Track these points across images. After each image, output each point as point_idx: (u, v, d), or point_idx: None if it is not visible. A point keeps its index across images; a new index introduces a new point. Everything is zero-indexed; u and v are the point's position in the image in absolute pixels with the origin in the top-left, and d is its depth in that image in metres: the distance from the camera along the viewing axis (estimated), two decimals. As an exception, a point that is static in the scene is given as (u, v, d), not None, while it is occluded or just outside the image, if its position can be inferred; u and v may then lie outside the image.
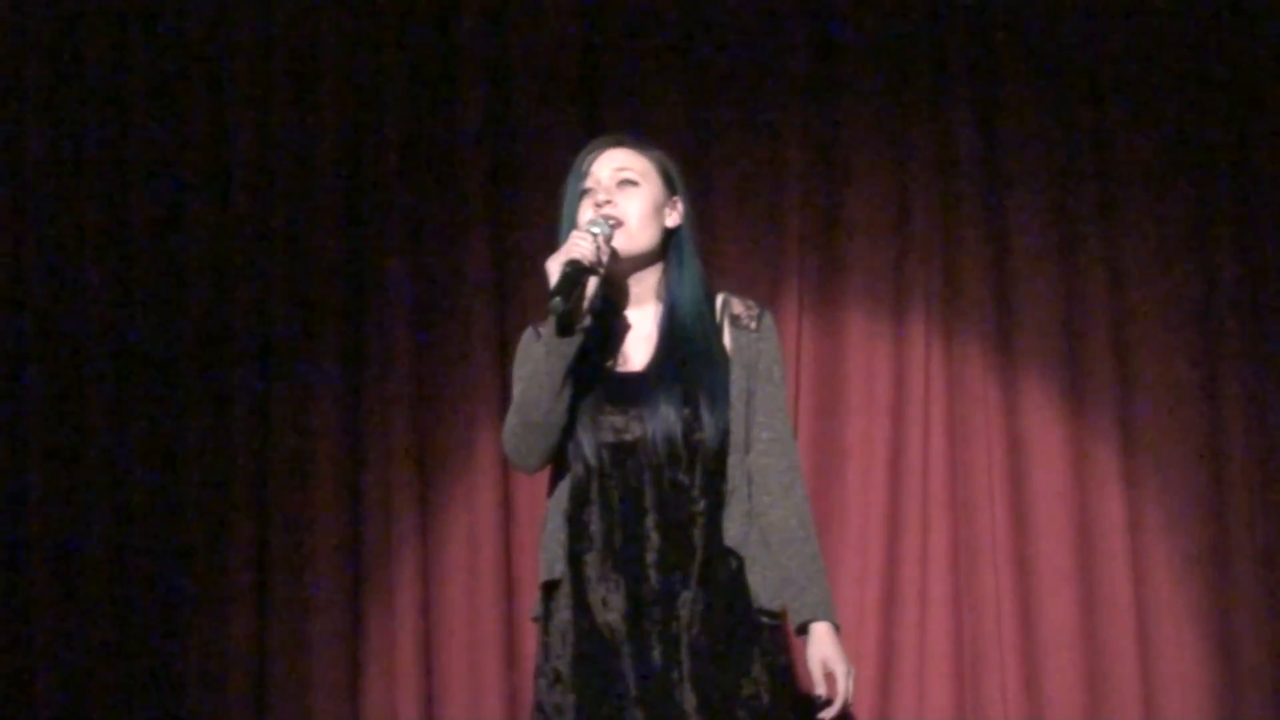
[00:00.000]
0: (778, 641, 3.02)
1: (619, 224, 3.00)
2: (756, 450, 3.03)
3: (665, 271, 3.11)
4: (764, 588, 2.98)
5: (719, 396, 3.00)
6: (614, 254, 2.99)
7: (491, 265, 4.40)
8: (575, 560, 2.99)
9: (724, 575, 2.98)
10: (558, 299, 2.85)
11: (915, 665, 4.19)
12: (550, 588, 3.04)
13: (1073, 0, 4.34)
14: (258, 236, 4.46)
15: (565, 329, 2.91)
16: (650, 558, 2.95)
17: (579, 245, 2.92)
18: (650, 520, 2.96)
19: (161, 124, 4.49)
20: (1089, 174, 4.31)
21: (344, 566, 4.37)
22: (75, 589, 4.37)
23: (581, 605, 2.98)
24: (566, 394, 2.96)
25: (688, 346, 3.03)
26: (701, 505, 2.98)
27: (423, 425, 4.39)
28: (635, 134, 3.22)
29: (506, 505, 4.35)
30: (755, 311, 3.11)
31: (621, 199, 3.04)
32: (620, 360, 3.06)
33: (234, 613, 4.36)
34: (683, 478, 2.98)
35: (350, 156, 4.47)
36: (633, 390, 3.01)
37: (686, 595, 2.94)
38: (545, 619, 3.05)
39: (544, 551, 3.05)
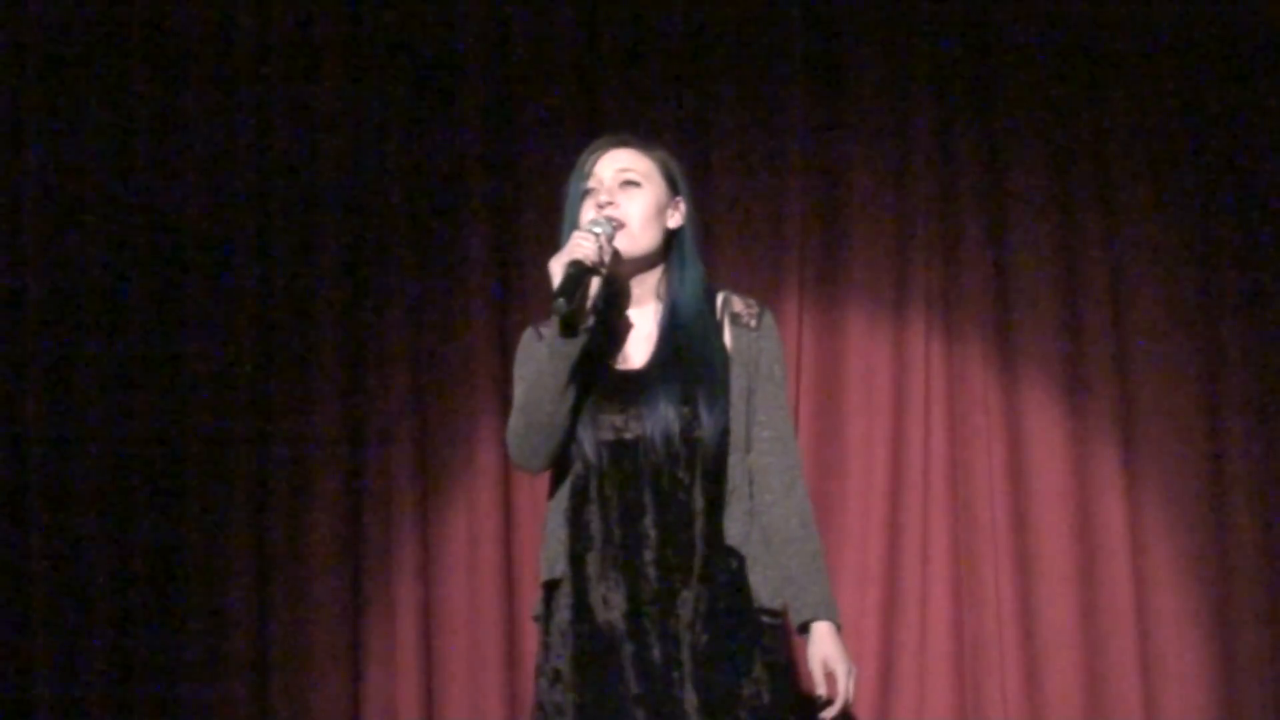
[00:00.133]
0: (778, 641, 3.02)
1: (621, 225, 3.00)
2: (757, 449, 3.03)
3: (666, 272, 3.10)
4: (765, 587, 2.98)
5: (718, 395, 3.00)
6: (616, 255, 2.98)
7: (491, 265, 4.40)
8: (576, 559, 2.99)
9: (724, 574, 2.98)
10: (562, 299, 2.84)
11: (915, 665, 4.19)
12: (551, 587, 3.03)
13: (1073, 3, 4.34)
14: (258, 235, 4.46)
15: (569, 329, 2.91)
16: (649, 556, 2.95)
17: (582, 245, 2.91)
18: (649, 519, 2.96)
19: (161, 124, 4.49)
20: (1089, 174, 4.31)
21: (344, 566, 4.37)
22: (75, 589, 4.36)
23: (582, 605, 2.97)
24: (571, 395, 2.95)
25: (688, 345, 3.03)
26: (701, 504, 2.97)
27: (423, 425, 4.39)
28: (638, 134, 3.21)
29: (506, 505, 4.35)
30: (756, 310, 3.11)
31: (624, 200, 3.04)
32: (620, 359, 3.06)
33: (234, 612, 4.35)
34: (682, 476, 2.97)
35: (350, 156, 4.47)
36: (632, 388, 3.00)
37: (687, 594, 2.94)
38: (546, 618, 3.04)
39: (545, 551, 3.05)
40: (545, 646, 3.03)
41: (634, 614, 2.94)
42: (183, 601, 4.38)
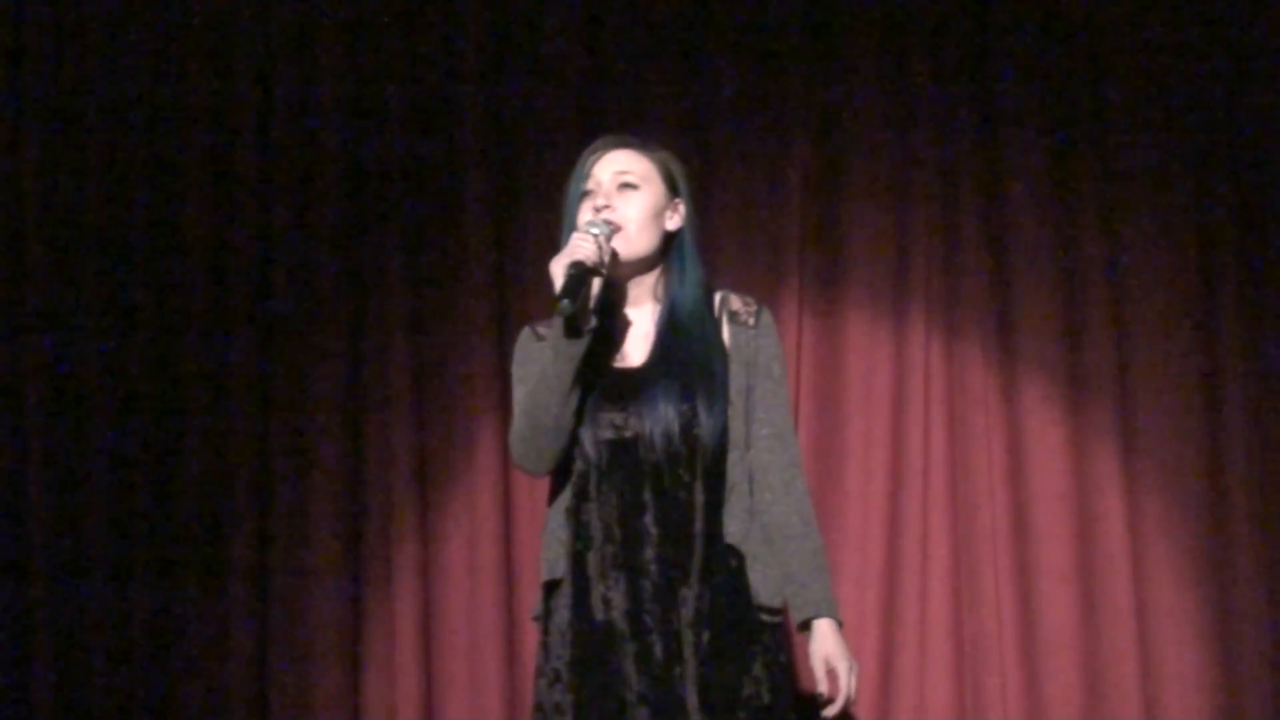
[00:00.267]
0: (778, 640, 3.02)
1: (617, 228, 2.99)
2: (757, 447, 3.03)
3: (664, 273, 3.10)
4: (764, 585, 2.98)
5: (718, 393, 3.00)
6: (613, 256, 2.98)
7: (491, 265, 4.40)
8: (576, 559, 2.99)
9: (724, 573, 2.98)
10: (565, 301, 2.84)
11: (915, 665, 4.19)
12: (551, 588, 3.03)
13: (1074, 1, 4.34)
14: (258, 236, 4.46)
15: (573, 330, 2.90)
16: (650, 554, 2.95)
17: (582, 246, 2.91)
18: (650, 517, 2.96)
19: (161, 125, 4.49)
20: (1089, 174, 4.31)
21: (344, 566, 4.37)
22: (75, 589, 4.36)
23: (582, 605, 2.97)
24: (575, 396, 2.95)
25: (686, 343, 3.03)
26: (701, 502, 2.97)
27: (423, 425, 4.39)
28: (640, 134, 3.20)
29: (506, 505, 4.35)
30: (754, 308, 3.11)
31: (620, 203, 3.03)
32: (619, 357, 3.06)
33: (234, 612, 4.35)
34: (682, 474, 2.97)
35: (350, 156, 4.47)
36: (631, 387, 3.00)
37: (687, 593, 2.94)
38: (545, 618, 3.04)
39: (545, 551, 3.05)
40: (545, 647, 3.03)
41: (635, 612, 2.94)
42: (183, 601, 4.37)
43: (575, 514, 3.00)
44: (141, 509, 4.39)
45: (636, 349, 3.06)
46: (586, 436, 2.99)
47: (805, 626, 3.00)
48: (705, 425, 2.97)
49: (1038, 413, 4.27)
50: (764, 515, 3.01)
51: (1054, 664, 4.18)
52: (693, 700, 2.90)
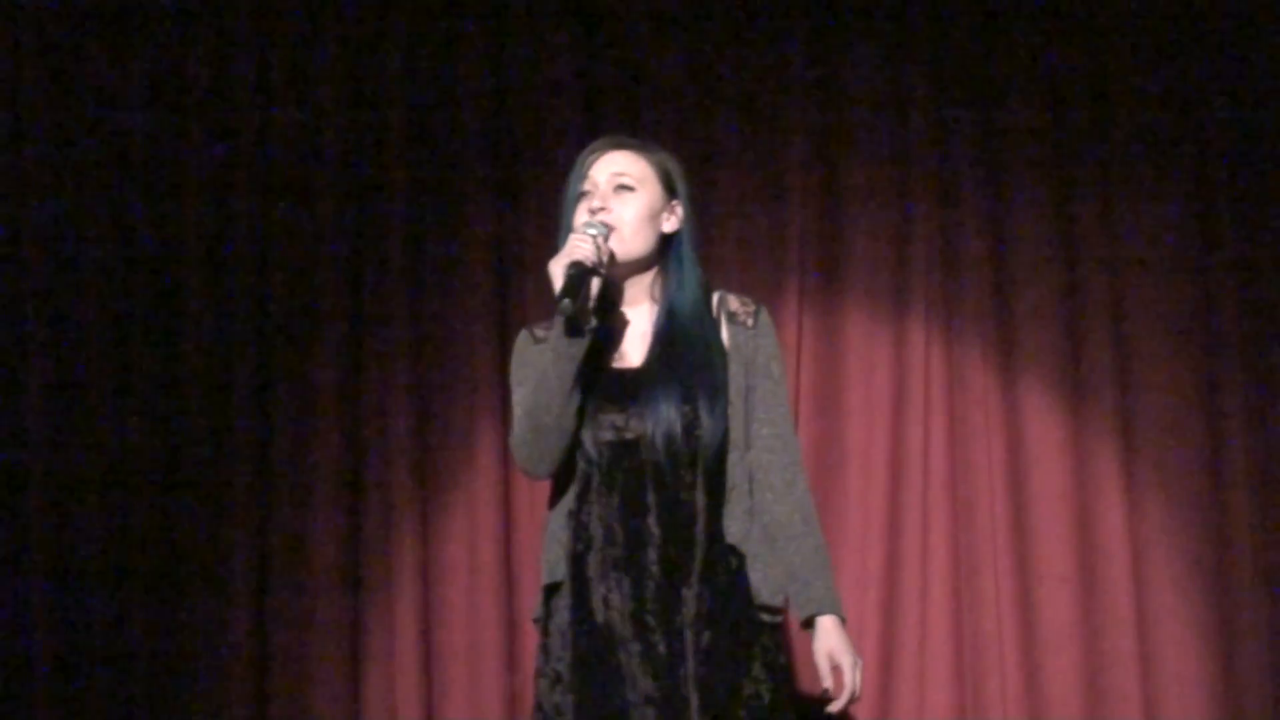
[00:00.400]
0: (778, 640, 3.01)
1: (612, 229, 2.99)
2: (757, 447, 3.02)
3: (661, 274, 3.10)
4: (764, 585, 2.98)
5: (718, 393, 3.00)
6: (611, 258, 2.98)
7: (491, 265, 4.40)
8: (576, 560, 2.99)
9: (725, 573, 2.97)
10: (566, 301, 2.84)
11: (916, 666, 4.19)
12: (551, 590, 3.03)
13: (1073, 1, 4.34)
14: (258, 236, 4.46)
15: (574, 330, 2.90)
16: (652, 555, 2.95)
17: (580, 247, 2.91)
18: (652, 518, 2.96)
19: (161, 125, 4.49)
20: (1089, 174, 4.31)
21: (344, 566, 4.37)
22: (75, 589, 4.36)
23: (582, 606, 2.97)
24: (576, 396, 2.95)
25: (686, 344, 3.02)
26: (702, 502, 2.97)
27: (423, 425, 4.39)
28: (639, 135, 3.20)
29: (506, 505, 4.35)
30: (752, 308, 3.10)
31: (616, 204, 3.03)
32: (617, 358, 3.05)
33: (234, 613, 4.35)
34: (683, 475, 2.97)
35: (351, 156, 4.47)
36: (631, 387, 3.00)
37: (688, 593, 2.94)
38: (545, 620, 3.04)
39: (546, 553, 3.04)
40: (545, 648, 3.03)
41: (637, 613, 2.93)
42: (183, 602, 4.37)
43: (576, 516, 3.00)
44: (141, 509, 4.39)
45: (634, 349, 3.06)
46: (587, 438, 2.99)
47: (809, 624, 3.00)
48: (707, 426, 2.97)
49: (1038, 413, 4.27)
50: (765, 515, 3.01)
51: (1054, 664, 4.19)
52: (693, 700, 2.90)
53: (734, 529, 2.99)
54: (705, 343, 3.04)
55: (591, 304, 2.92)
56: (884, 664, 4.20)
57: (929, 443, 4.25)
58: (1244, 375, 4.24)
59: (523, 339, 3.13)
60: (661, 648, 2.92)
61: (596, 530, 2.98)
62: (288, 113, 4.48)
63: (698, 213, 3.21)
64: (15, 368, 4.43)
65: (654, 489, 2.96)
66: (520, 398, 3.04)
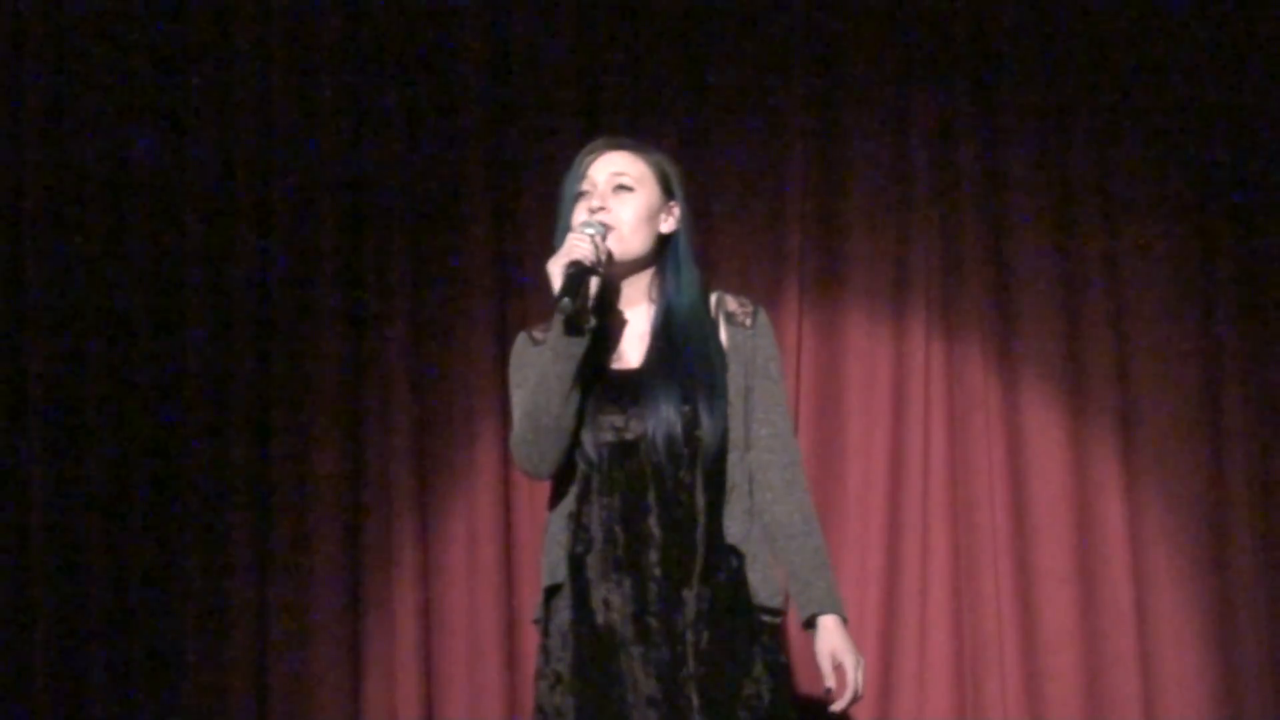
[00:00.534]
0: (778, 640, 3.01)
1: (610, 229, 2.99)
2: (757, 447, 3.02)
3: (659, 274, 3.09)
4: (764, 585, 2.98)
5: (718, 393, 2.99)
6: (609, 257, 2.98)
7: (491, 265, 4.40)
8: (576, 562, 2.99)
9: (725, 574, 2.97)
10: (566, 300, 2.83)
11: (916, 666, 4.19)
12: (551, 592, 3.03)
13: (1072, 2, 4.34)
14: (258, 237, 4.46)
15: (573, 329, 2.90)
16: (654, 556, 2.94)
17: (579, 246, 2.91)
18: (653, 519, 2.95)
19: (161, 125, 4.49)
20: (1089, 174, 4.32)
21: (344, 567, 4.37)
22: (75, 589, 4.36)
23: (582, 607, 2.97)
24: (575, 396, 2.95)
25: (685, 344, 3.02)
26: (702, 503, 2.97)
27: (423, 426, 4.39)
28: (636, 136, 3.20)
29: (506, 506, 4.35)
30: (750, 309, 3.10)
31: (615, 204, 3.02)
32: (615, 358, 3.05)
33: (235, 614, 4.35)
34: (684, 476, 2.97)
35: (351, 156, 4.47)
36: (630, 388, 3.00)
37: (688, 594, 2.94)
38: (546, 621, 3.04)
39: (546, 555, 3.04)
40: (545, 650, 3.02)
41: (638, 615, 2.93)
42: (183, 602, 4.37)
43: (576, 517, 3.00)
44: (141, 509, 4.39)
45: (633, 349, 3.05)
46: (586, 439, 2.98)
47: (810, 624, 3.00)
48: (707, 426, 2.97)
49: (1038, 413, 4.27)
50: (765, 515, 3.01)
51: (1054, 664, 4.19)
52: (694, 701, 2.90)
53: (734, 529, 2.98)
54: (704, 343, 3.03)
55: (590, 303, 2.92)
56: (884, 664, 4.19)
57: (929, 443, 4.25)
58: (1244, 375, 4.24)
59: (521, 341, 3.13)
60: (663, 649, 2.92)
61: (597, 532, 2.98)
62: (288, 113, 4.48)
63: (695, 213, 3.21)
64: (15, 368, 4.43)
65: (654, 490, 2.96)
66: (519, 399, 3.04)
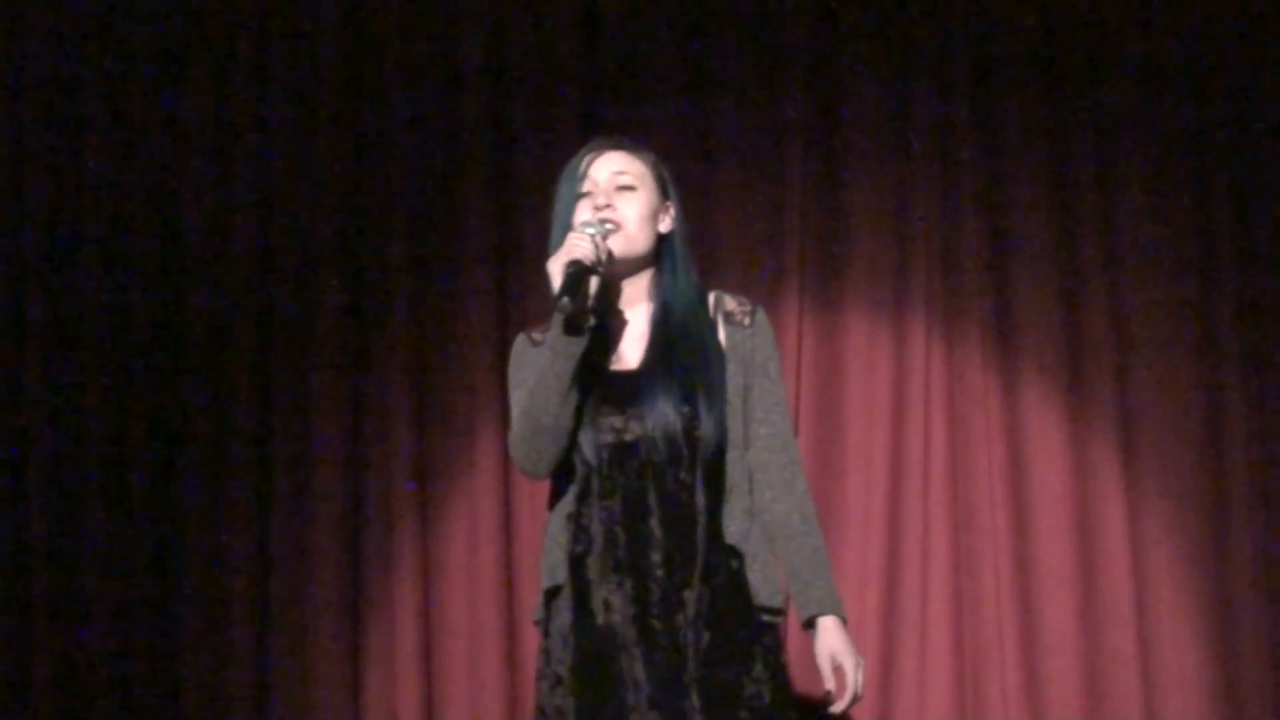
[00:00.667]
0: (778, 640, 3.01)
1: (617, 227, 2.99)
2: (756, 446, 3.02)
3: (657, 274, 3.09)
4: (764, 585, 2.98)
5: (717, 393, 2.99)
6: (609, 256, 2.98)
7: (491, 265, 4.40)
8: (576, 563, 2.98)
9: (725, 574, 2.97)
10: (565, 299, 2.83)
11: (916, 666, 4.19)
12: (552, 594, 3.02)
13: (1072, 2, 4.34)
14: (259, 238, 4.46)
15: (573, 329, 2.90)
16: (656, 558, 2.94)
17: (579, 245, 2.90)
18: (654, 520, 2.95)
19: (161, 124, 4.49)
20: (1089, 174, 4.32)
21: (344, 568, 4.37)
22: (75, 590, 4.36)
23: (583, 608, 2.96)
24: (574, 396, 2.95)
25: (683, 344, 3.02)
26: (703, 503, 2.96)
27: (423, 427, 4.39)
28: (635, 136, 3.20)
29: (506, 506, 4.35)
30: (749, 308, 3.10)
31: (620, 203, 3.03)
32: (614, 359, 3.04)
33: (235, 615, 4.35)
34: (684, 476, 2.96)
35: (350, 157, 4.47)
36: (630, 389, 2.99)
37: (689, 595, 2.93)
38: (546, 622, 3.03)
39: (546, 556, 3.04)
40: (545, 651, 3.02)
41: (640, 616, 2.93)
42: (183, 602, 4.37)
43: (576, 519, 3.00)
44: (142, 509, 4.38)
45: (632, 350, 3.05)
46: (586, 440, 2.98)
47: (810, 624, 3.00)
48: (707, 426, 2.97)
49: (1038, 413, 4.28)
50: (765, 514, 3.01)
51: (1054, 665, 4.19)
52: (694, 701, 2.90)
53: (734, 529, 2.98)
54: (702, 342, 3.03)
55: (590, 303, 2.91)
56: (884, 665, 4.19)
57: (929, 443, 4.25)
58: (1244, 375, 4.24)
59: (520, 342, 3.12)
60: (663, 650, 2.91)
61: (597, 533, 2.97)
62: (288, 113, 4.48)
63: (695, 214, 3.21)
64: (15, 368, 4.43)
65: (655, 491, 2.96)
66: (518, 399, 3.04)
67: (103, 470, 4.39)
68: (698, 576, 2.94)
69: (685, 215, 3.11)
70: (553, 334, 2.92)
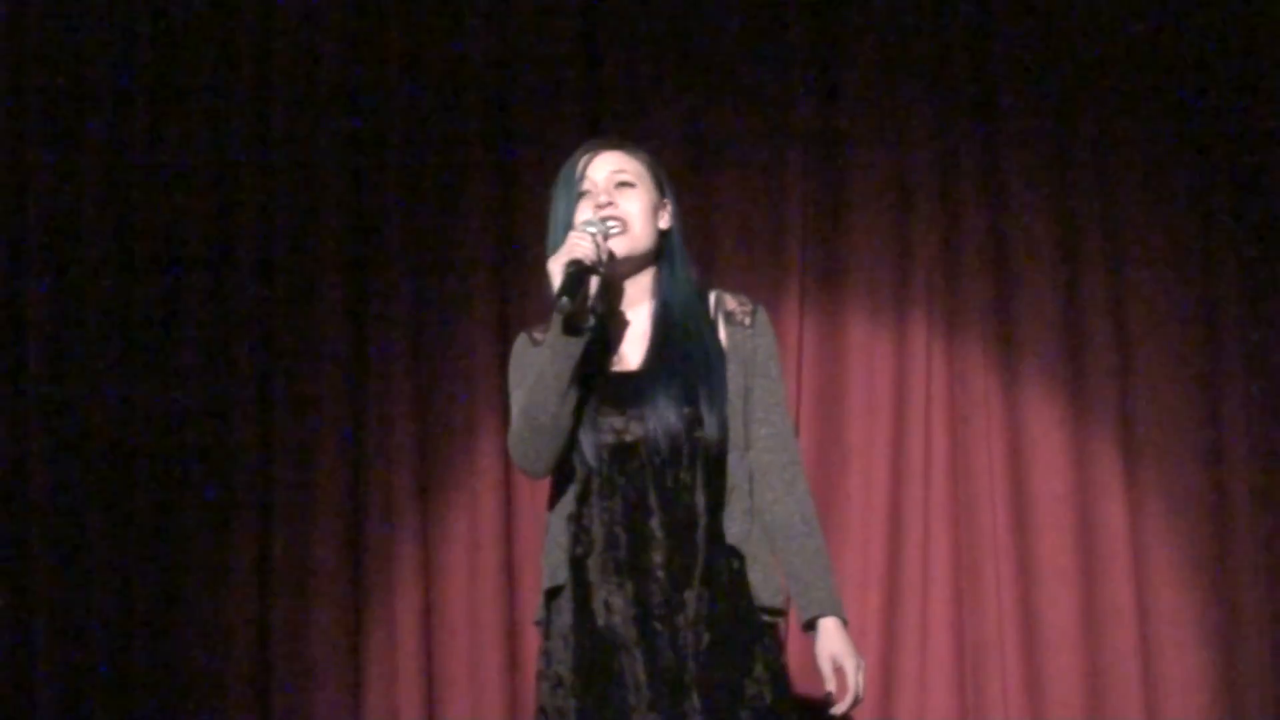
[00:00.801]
0: (778, 640, 3.01)
1: (619, 225, 2.99)
2: (757, 447, 3.02)
3: (658, 273, 3.09)
4: (765, 586, 2.98)
5: (718, 393, 2.99)
6: (611, 256, 2.97)
7: (491, 265, 4.40)
8: (576, 564, 2.98)
9: (726, 574, 2.96)
10: (565, 299, 2.83)
11: (917, 667, 4.19)
12: (552, 594, 3.02)
13: (1073, 1, 4.34)
14: (259, 238, 4.46)
15: (572, 328, 2.90)
16: (657, 559, 2.94)
17: (580, 245, 2.90)
18: (656, 521, 2.95)
19: (161, 124, 4.48)
20: (1089, 174, 4.32)
21: (345, 569, 4.37)
22: (76, 593, 4.36)
23: (584, 609, 2.96)
24: (573, 395, 2.94)
25: (684, 344, 3.01)
26: (703, 504, 2.96)
27: (424, 426, 4.39)
28: (636, 136, 3.20)
29: (507, 506, 4.35)
30: (749, 308, 3.10)
31: (620, 200, 3.03)
32: (615, 360, 3.04)
33: (236, 614, 4.35)
34: (684, 477, 2.96)
35: (351, 157, 4.47)
36: (630, 390, 2.99)
37: (690, 595, 2.93)
38: (547, 623, 3.03)
39: (547, 557, 3.03)
40: (546, 652, 3.02)
41: (641, 617, 2.93)
42: (184, 604, 4.37)
43: (577, 520, 2.99)
44: (142, 509, 4.38)
45: (633, 350, 3.05)
46: (586, 441, 2.97)
47: (810, 626, 2.99)
48: (708, 426, 2.97)
49: (1038, 413, 4.28)
50: (765, 515, 3.00)
51: (1055, 665, 4.19)
52: (695, 702, 2.90)
53: (734, 529, 2.98)
54: (703, 342, 3.03)
55: (590, 302, 2.91)
56: (885, 665, 4.20)
57: (930, 443, 4.25)
58: (1244, 374, 4.25)
59: (521, 342, 3.12)
60: (664, 651, 2.91)
61: (598, 533, 2.97)
62: (288, 113, 4.48)
63: (695, 214, 3.21)
64: (15, 369, 4.42)
65: (656, 491, 2.96)
66: (517, 398, 3.04)
67: (103, 471, 4.39)
68: (698, 577, 2.94)
69: (682, 213, 3.11)
70: (552, 334, 2.92)
